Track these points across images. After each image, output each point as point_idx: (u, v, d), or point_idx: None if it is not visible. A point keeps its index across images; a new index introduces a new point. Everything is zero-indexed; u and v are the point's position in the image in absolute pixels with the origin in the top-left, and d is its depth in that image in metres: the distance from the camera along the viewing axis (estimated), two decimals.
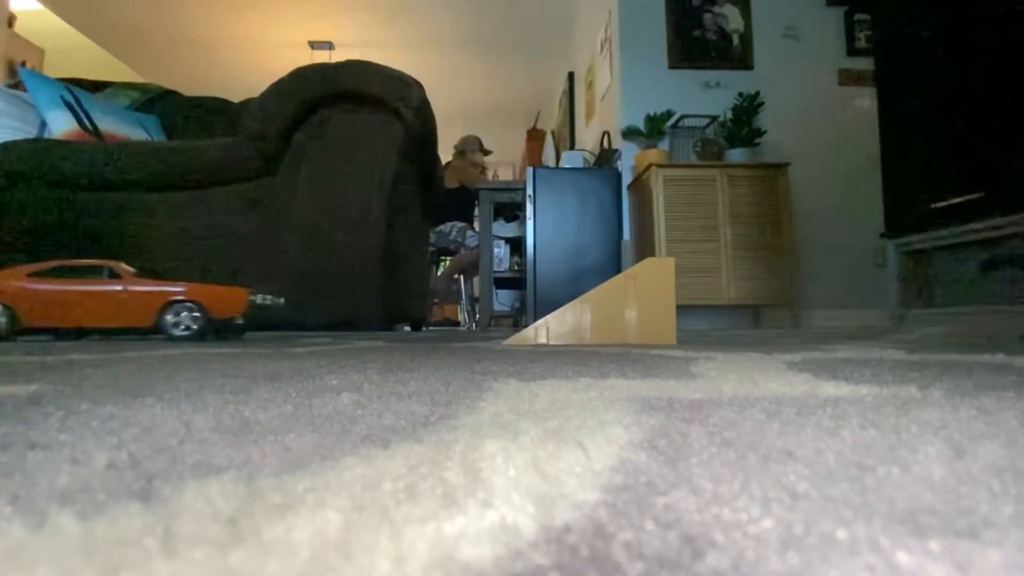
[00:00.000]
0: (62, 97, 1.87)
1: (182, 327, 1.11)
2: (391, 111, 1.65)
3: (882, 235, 1.96)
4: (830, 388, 0.39)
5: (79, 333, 1.25)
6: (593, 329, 1.06)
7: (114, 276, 1.16)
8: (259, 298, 1.22)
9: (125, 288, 1.14)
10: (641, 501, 0.16)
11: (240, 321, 1.19)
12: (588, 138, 3.78)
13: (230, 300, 1.17)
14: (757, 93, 2.51)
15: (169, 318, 1.12)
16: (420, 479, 0.18)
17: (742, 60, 2.88)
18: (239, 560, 0.12)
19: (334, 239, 1.60)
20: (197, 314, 1.12)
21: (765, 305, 2.42)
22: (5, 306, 1.13)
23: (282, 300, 1.32)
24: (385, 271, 1.64)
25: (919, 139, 1.78)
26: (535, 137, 4.63)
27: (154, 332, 1.13)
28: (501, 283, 3.05)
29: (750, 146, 2.52)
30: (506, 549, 0.13)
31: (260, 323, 1.34)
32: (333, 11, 4.15)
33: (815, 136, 2.81)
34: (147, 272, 1.24)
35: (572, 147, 4.24)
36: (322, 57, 4.50)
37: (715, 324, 2.67)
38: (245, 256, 1.61)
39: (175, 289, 1.13)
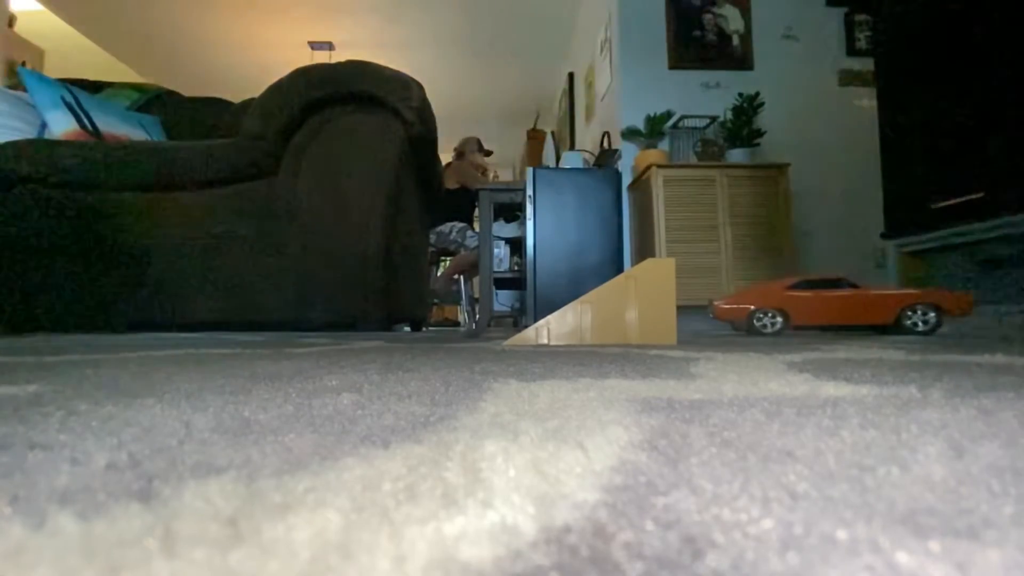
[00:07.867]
0: (62, 97, 1.87)
1: (919, 324, 1.34)
2: (391, 111, 1.65)
3: (882, 235, 1.96)
4: (830, 388, 0.39)
5: (838, 328, 1.48)
6: (594, 329, 1.06)
7: (851, 286, 1.40)
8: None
9: (868, 293, 1.38)
10: (641, 501, 0.16)
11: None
12: (588, 138, 3.78)
13: (960, 302, 1.39)
14: (757, 93, 2.51)
15: (909, 316, 1.35)
16: (420, 479, 0.18)
17: (742, 60, 2.89)
18: (239, 560, 0.12)
19: (334, 239, 1.60)
20: (932, 313, 1.34)
21: None
22: (780, 310, 1.39)
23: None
24: (385, 271, 1.64)
25: (919, 139, 1.78)
26: (535, 137, 4.63)
27: (895, 327, 1.36)
28: (501, 283, 3.05)
29: (750, 146, 2.52)
30: (506, 549, 0.13)
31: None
32: (333, 11, 4.15)
33: (815, 136, 2.81)
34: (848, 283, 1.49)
35: (572, 147, 4.24)
36: (322, 57, 4.50)
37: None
38: (245, 256, 1.60)
39: (910, 292, 1.38)
